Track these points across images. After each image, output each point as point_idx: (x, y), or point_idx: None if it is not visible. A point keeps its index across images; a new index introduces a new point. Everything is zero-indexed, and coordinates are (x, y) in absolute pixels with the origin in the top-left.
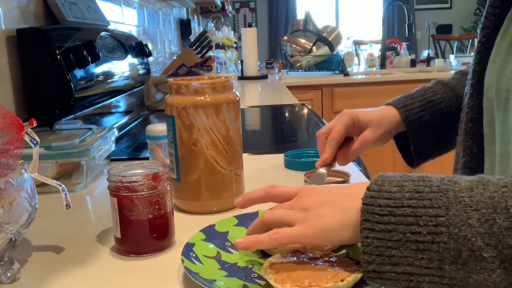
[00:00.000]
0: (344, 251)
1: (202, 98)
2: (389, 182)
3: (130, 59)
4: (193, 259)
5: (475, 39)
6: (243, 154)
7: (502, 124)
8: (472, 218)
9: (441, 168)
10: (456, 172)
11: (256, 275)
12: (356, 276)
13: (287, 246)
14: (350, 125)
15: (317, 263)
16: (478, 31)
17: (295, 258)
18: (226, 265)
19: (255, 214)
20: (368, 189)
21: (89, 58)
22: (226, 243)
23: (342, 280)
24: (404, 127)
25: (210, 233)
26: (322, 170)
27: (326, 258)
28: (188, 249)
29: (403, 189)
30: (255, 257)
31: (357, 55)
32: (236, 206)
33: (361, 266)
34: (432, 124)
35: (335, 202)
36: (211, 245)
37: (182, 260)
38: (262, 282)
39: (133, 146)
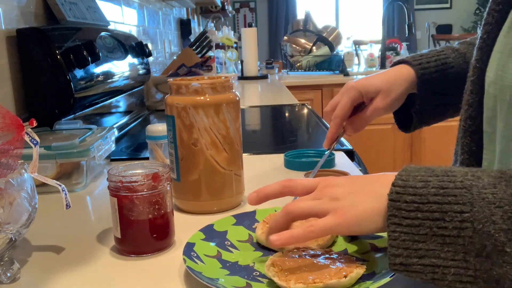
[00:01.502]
0: (343, 248)
1: (202, 98)
2: (414, 177)
3: (130, 59)
4: (195, 259)
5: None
6: (243, 154)
7: (506, 120)
8: (496, 215)
9: (443, 164)
10: None
11: (258, 273)
12: (359, 271)
13: (322, 237)
14: (357, 99)
15: (319, 260)
16: (480, 27)
17: (296, 256)
18: (228, 264)
19: (253, 214)
20: (393, 184)
21: (89, 58)
22: (226, 242)
23: (345, 276)
24: (414, 88)
25: (209, 233)
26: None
27: (327, 255)
28: (189, 249)
29: (428, 184)
30: (256, 255)
31: (357, 55)
32: (249, 203)
33: (388, 259)
34: (443, 87)
35: (365, 190)
36: (212, 244)
37: (184, 260)
38: (265, 280)
39: (133, 146)
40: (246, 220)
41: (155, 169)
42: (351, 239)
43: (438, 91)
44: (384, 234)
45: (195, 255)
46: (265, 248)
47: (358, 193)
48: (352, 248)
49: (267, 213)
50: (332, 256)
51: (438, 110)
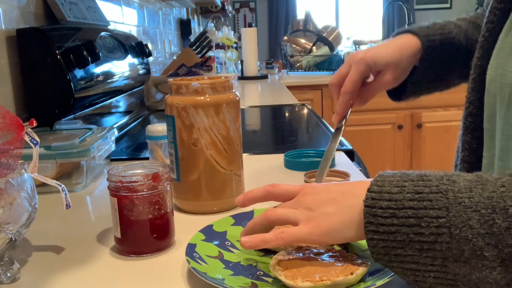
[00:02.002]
0: (343, 245)
1: (202, 98)
2: (389, 183)
3: (130, 59)
4: (197, 260)
5: None
6: (243, 154)
7: (505, 119)
8: (472, 219)
9: (443, 163)
10: (456, 168)
11: (262, 273)
12: (364, 269)
13: (291, 244)
14: (366, 72)
15: (323, 258)
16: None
17: (300, 254)
18: (230, 264)
19: (251, 214)
20: (369, 190)
21: (89, 58)
22: (226, 243)
23: (351, 274)
24: (417, 60)
25: (209, 233)
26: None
27: (331, 253)
28: (191, 250)
29: (404, 189)
30: (257, 255)
31: None
32: (237, 204)
33: (371, 261)
34: (443, 61)
35: (338, 200)
36: (213, 245)
37: (188, 261)
38: (270, 279)
39: (133, 146)
40: (245, 220)
41: (155, 169)
42: None
43: (438, 64)
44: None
45: (197, 256)
46: (265, 249)
47: (331, 203)
48: (352, 246)
49: None
50: (335, 254)
51: (432, 83)
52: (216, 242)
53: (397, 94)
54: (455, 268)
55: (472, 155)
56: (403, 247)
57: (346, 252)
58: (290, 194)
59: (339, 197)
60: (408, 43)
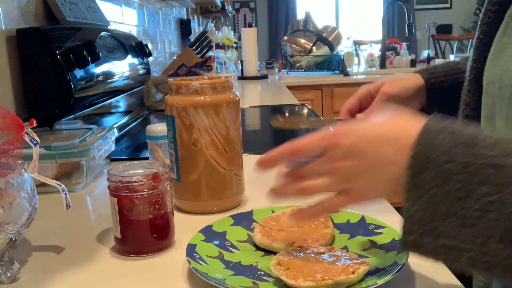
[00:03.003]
0: (343, 245)
1: (202, 98)
2: (435, 147)
3: (130, 59)
4: (198, 260)
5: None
6: (243, 154)
7: (507, 119)
8: None
9: None
10: None
11: (262, 273)
12: (365, 268)
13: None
14: (363, 94)
15: (324, 258)
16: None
17: (301, 254)
18: (231, 264)
19: (250, 213)
20: (413, 157)
21: (89, 58)
22: (226, 243)
23: (353, 273)
24: (424, 97)
25: (208, 234)
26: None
27: (331, 253)
28: (191, 250)
29: (452, 160)
30: (257, 255)
31: (357, 55)
32: (257, 168)
33: (401, 236)
34: (453, 89)
35: (377, 169)
36: (213, 245)
37: (189, 262)
38: (271, 279)
39: (133, 146)
40: (244, 220)
41: (155, 169)
42: (350, 236)
43: (448, 92)
44: (387, 226)
45: (198, 256)
46: (265, 249)
47: (371, 173)
48: (352, 245)
49: (264, 213)
50: (336, 254)
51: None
52: (216, 242)
53: None
54: (497, 250)
55: None
56: (443, 220)
57: (346, 251)
58: (317, 149)
59: (378, 166)
60: (408, 76)
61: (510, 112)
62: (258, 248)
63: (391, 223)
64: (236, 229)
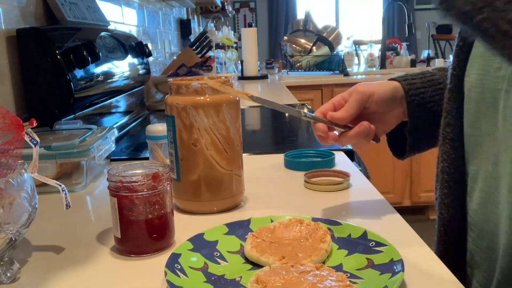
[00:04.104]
0: (338, 262)
1: (202, 98)
2: None
3: (130, 59)
4: (178, 271)
5: None
6: (243, 154)
7: (492, 122)
8: None
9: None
10: (437, 177)
11: None
12: None
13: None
14: (337, 99)
15: (307, 278)
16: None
17: (283, 272)
18: (213, 278)
19: (247, 222)
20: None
21: (89, 58)
22: (215, 253)
23: None
24: (405, 105)
25: (198, 243)
26: None
27: (317, 272)
28: (173, 260)
29: None
30: (244, 268)
31: (357, 55)
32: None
33: None
34: (432, 102)
35: None
36: (199, 255)
37: (166, 273)
38: None
39: (133, 146)
40: (239, 229)
41: (155, 169)
42: (348, 253)
43: (428, 106)
44: (388, 244)
45: (179, 267)
46: (253, 262)
47: None
48: (348, 263)
49: (261, 223)
50: (322, 273)
51: (431, 131)
52: (204, 253)
53: (399, 151)
54: None
55: (451, 166)
56: None
57: (336, 271)
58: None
59: None
60: (388, 82)
61: (495, 115)
62: (247, 260)
63: (393, 228)
64: (229, 238)
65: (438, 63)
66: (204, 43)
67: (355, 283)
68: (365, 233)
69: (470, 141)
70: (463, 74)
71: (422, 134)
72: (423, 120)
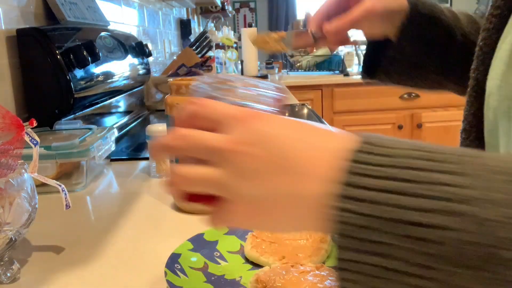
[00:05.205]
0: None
1: None
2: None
3: (130, 59)
4: (178, 271)
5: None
6: None
7: (507, 134)
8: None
9: None
10: None
11: None
12: None
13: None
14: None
15: (307, 278)
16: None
17: (283, 272)
18: (213, 278)
19: None
20: (346, 183)
21: (89, 58)
22: (215, 253)
23: None
24: (398, 28)
25: (198, 243)
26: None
27: (317, 272)
28: (173, 261)
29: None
30: (244, 268)
31: (357, 55)
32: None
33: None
34: (425, 39)
35: (286, 176)
36: (199, 255)
37: (165, 273)
38: None
39: (133, 146)
40: (239, 229)
41: None
42: None
43: (417, 42)
44: None
45: (179, 267)
46: (254, 263)
47: (276, 178)
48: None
49: None
50: (322, 273)
51: (406, 70)
52: (204, 253)
53: (370, 72)
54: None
55: None
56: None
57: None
58: (214, 120)
59: (287, 173)
60: None
61: (510, 127)
62: (248, 260)
63: None
64: (229, 238)
65: None
66: (204, 43)
67: None
68: None
69: (488, 148)
70: (482, 78)
71: (398, 66)
72: (405, 54)
